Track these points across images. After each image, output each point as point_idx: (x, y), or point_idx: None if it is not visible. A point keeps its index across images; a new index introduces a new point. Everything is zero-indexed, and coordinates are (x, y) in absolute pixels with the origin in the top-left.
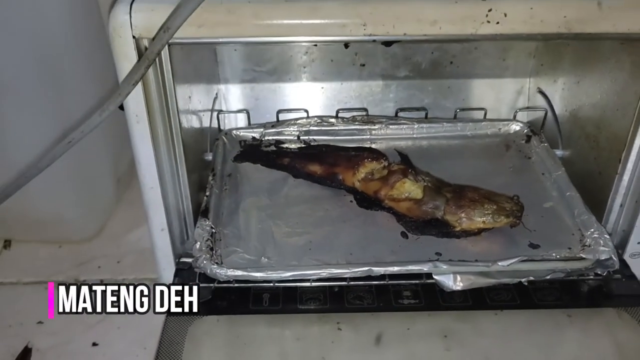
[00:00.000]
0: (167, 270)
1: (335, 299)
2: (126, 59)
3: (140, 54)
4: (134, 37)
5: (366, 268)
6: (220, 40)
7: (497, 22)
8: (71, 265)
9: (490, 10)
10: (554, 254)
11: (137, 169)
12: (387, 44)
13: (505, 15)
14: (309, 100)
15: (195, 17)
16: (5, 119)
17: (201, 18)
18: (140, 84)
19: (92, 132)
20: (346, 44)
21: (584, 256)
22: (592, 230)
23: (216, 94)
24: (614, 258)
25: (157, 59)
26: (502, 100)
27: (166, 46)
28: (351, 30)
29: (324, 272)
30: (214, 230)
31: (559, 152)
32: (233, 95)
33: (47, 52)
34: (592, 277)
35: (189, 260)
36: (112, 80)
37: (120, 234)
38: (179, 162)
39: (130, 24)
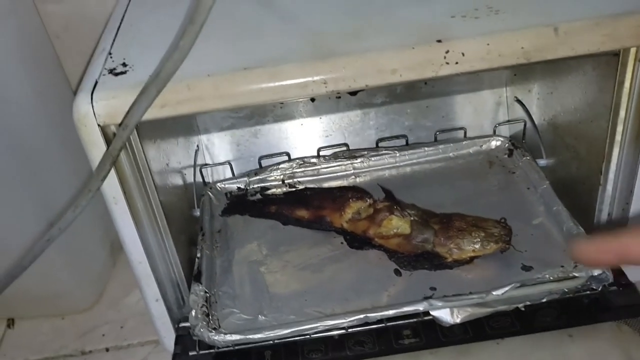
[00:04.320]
0: (168, 338)
1: (337, 348)
2: (95, 147)
3: (108, 141)
4: (99, 125)
5: (362, 316)
6: (187, 113)
7: (456, 62)
8: (75, 336)
9: (447, 52)
10: (547, 275)
11: (124, 246)
12: (352, 93)
13: (463, 54)
14: (290, 139)
15: (157, 98)
16: None
17: (163, 98)
18: (112, 168)
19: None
20: (312, 98)
21: (576, 274)
22: None
23: (197, 146)
24: (607, 272)
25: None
26: (482, 112)
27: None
28: (313, 89)
29: (321, 325)
30: (208, 295)
31: (543, 162)
32: (214, 144)
33: (19, 142)
34: (588, 292)
35: (189, 324)
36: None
37: (120, 297)
38: (164, 234)
39: (94, 113)
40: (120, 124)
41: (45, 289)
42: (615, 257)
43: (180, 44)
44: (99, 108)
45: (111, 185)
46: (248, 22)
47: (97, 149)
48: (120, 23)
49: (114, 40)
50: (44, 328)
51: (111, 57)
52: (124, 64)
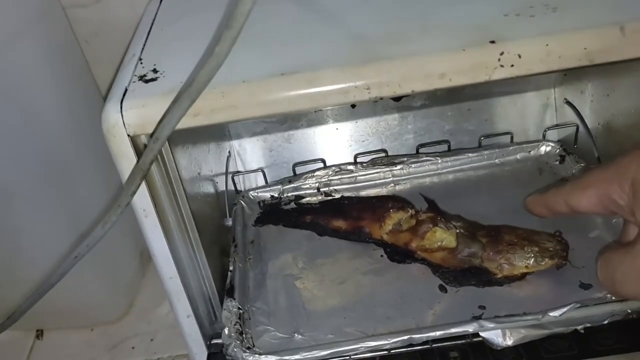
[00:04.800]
0: (199, 354)
1: None
2: (125, 158)
3: (138, 153)
4: (129, 135)
5: (406, 337)
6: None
7: (512, 65)
8: (105, 349)
9: (502, 54)
10: (608, 295)
11: (154, 260)
12: (396, 99)
13: (520, 56)
14: (324, 144)
15: None
16: (18, 228)
17: (196, 107)
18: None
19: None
20: (352, 105)
21: None
22: None
23: (228, 152)
24: None
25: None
26: (527, 115)
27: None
28: (355, 95)
29: (362, 347)
30: (241, 311)
31: None
32: (246, 150)
33: (49, 151)
34: None
35: (221, 341)
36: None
37: (150, 308)
38: (195, 246)
39: (123, 122)
40: (151, 135)
41: (74, 300)
42: (564, 208)
43: (216, 50)
44: (129, 117)
45: (141, 198)
46: (285, 24)
47: (127, 161)
48: (151, 28)
49: (144, 45)
50: (73, 340)
51: (141, 63)
52: (155, 70)
